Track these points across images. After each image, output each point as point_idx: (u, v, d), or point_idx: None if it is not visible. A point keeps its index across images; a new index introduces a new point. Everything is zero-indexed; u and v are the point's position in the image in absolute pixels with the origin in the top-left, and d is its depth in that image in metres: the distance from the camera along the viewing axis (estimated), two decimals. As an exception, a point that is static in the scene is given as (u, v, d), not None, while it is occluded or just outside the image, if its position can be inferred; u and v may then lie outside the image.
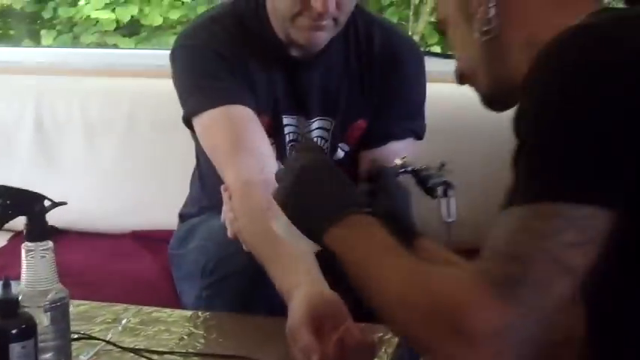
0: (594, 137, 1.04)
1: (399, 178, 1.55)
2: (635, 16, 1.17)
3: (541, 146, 1.07)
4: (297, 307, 1.44)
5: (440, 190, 1.51)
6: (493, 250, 1.05)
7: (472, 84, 1.30)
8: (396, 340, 1.53)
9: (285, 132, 2.03)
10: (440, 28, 1.34)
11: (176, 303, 2.07)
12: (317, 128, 2.06)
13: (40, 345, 1.27)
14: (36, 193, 1.35)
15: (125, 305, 1.72)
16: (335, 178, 1.32)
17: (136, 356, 1.49)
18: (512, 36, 1.22)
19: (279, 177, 1.36)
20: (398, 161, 1.54)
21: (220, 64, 1.93)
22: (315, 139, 2.05)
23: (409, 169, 1.54)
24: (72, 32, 4.00)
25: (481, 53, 1.25)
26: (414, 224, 1.45)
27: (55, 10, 3.93)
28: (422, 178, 1.52)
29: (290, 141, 2.04)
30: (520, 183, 1.07)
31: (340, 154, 2.09)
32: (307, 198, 1.30)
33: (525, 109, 1.10)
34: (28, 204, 1.34)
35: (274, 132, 2.01)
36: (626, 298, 1.12)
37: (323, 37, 1.95)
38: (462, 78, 1.31)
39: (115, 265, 2.48)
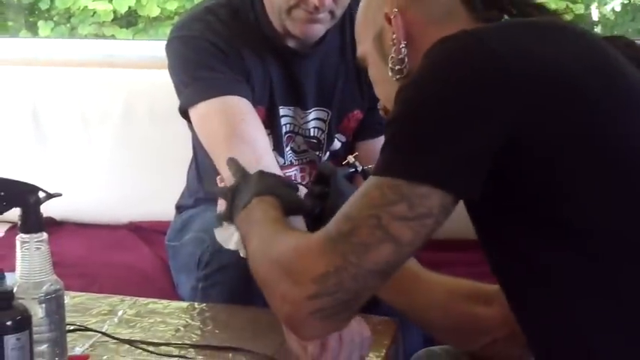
0: (441, 124, 1.14)
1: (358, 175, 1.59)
2: (506, 23, 1.29)
3: (397, 125, 1.17)
4: None
5: None
6: (340, 210, 1.17)
7: None
8: (392, 331, 1.53)
9: (282, 123, 2.03)
10: (360, 64, 1.44)
11: (173, 294, 2.07)
12: (313, 119, 2.06)
13: (35, 337, 1.27)
14: (30, 184, 1.35)
15: (121, 297, 1.72)
16: (266, 182, 1.48)
17: (132, 348, 1.49)
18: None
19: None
20: (350, 159, 1.57)
21: (216, 54, 1.93)
22: (311, 130, 2.05)
23: (358, 168, 1.58)
24: (69, 23, 3.98)
25: (394, 90, 1.30)
26: None
27: (52, 1, 3.92)
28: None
29: (287, 132, 2.04)
30: (380, 155, 1.17)
31: (337, 144, 2.09)
32: (238, 196, 1.47)
33: (398, 91, 1.20)
34: (22, 196, 1.33)
35: (271, 123, 2.00)
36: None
37: (319, 30, 1.95)
38: (386, 112, 1.38)
39: (112, 256, 2.48)
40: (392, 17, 1.32)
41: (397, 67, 1.32)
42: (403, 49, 1.32)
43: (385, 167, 1.16)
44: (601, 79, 1.20)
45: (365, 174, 1.61)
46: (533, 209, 1.17)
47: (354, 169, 1.61)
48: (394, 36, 1.32)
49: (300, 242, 1.20)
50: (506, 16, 1.36)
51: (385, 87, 1.38)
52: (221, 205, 1.69)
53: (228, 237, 1.54)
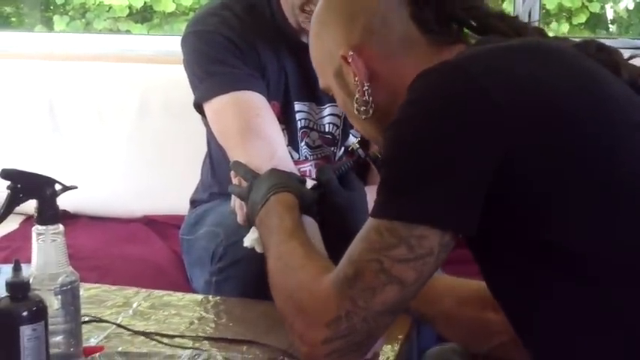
0: (432, 163, 1.14)
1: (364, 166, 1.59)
2: (486, 49, 1.26)
3: (389, 166, 1.19)
4: None
5: None
6: (346, 253, 1.20)
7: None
8: (406, 326, 1.54)
9: (297, 118, 2.03)
10: (326, 93, 1.44)
11: (187, 288, 2.08)
12: (328, 115, 2.06)
13: (51, 328, 1.28)
14: (47, 176, 1.36)
15: (136, 289, 1.73)
16: (279, 175, 1.52)
17: (147, 339, 1.50)
18: (388, 104, 1.27)
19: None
20: (355, 145, 1.58)
21: (231, 50, 1.93)
22: (326, 126, 2.06)
23: (362, 155, 1.58)
24: (84, 18, 4.00)
25: (369, 127, 1.34)
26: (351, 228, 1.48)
27: (67, -4, 3.94)
28: (377, 162, 1.56)
29: (301, 127, 2.04)
30: (376, 197, 1.19)
31: (352, 140, 2.09)
32: (254, 194, 1.51)
33: (387, 129, 1.20)
34: (38, 188, 1.34)
35: (285, 118, 2.01)
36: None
37: None
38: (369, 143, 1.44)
39: (126, 249, 2.49)
40: (350, 60, 1.31)
41: (362, 108, 1.32)
42: (367, 91, 1.31)
43: (381, 209, 1.18)
44: (587, 99, 1.20)
45: (373, 160, 1.62)
46: (527, 235, 1.17)
47: (357, 157, 1.60)
48: (356, 78, 1.31)
49: (314, 284, 1.22)
50: (468, 31, 1.35)
51: (356, 121, 1.39)
52: (234, 199, 1.70)
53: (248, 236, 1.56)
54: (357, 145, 1.61)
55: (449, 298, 1.48)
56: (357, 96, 1.32)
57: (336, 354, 1.20)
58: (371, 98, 1.31)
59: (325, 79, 1.40)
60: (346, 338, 1.18)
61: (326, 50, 1.37)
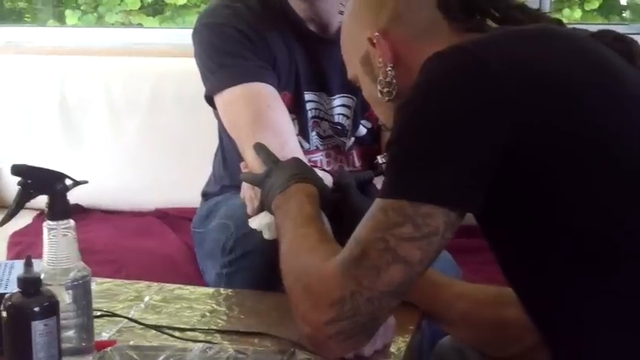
0: (439, 142, 1.15)
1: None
2: (497, 34, 1.29)
3: (396, 147, 1.19)
4: None
5: None
6: (353, 234, 1.21)
7: None
8: (417, 317, 1.53)
9: (307, 108, 2.03)
10: (354, 84, 1.46)
11: (199, 281, 2.08)
12: (339, 105, 2.05)
13: (63, 322, 1.28)
14: (57, 171, 1.36)
15: (147, 283, 1.73)
16: (302, 166, 1.54)
17: (158, 333, 1.50)
18: (410, 88, 1.27)
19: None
20: (380, 159, 1.58)
21: (242, 41, 1.93)
22: (336, 116, 2.05)
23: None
24: (96, 12, 3.99)
25: (391, 112, 1.32)
26: None
27: (79, -11, 3.94)
28: None
29: (312, 117, 2.04)
30: (384, 177, 1.21)
31: (362, 131, 2.09)
32: (274, 179, 1.51)
33: (396, 111, 1.21)
34: (49, 183, 1.34)
35: (296, 108, 2.01)
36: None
37: (339, 17, 1.95)
38: (384, 128, 1.46)
39: (138, 242, 2.50)
40: (375, 41, 1.33)
41: (386, 90, 1.34)
42: (390, 72, 1.33)
43: (388, 189, 1.18)
44: (597, 84, 1.20)
45: None
46: (536, 217, 1.17)
47: (380, 171, 1.60)
48: (380, 59, 1.33)
49: (322, 265, 1.23)
50: (491, 22, 1.36)
51: (379, 108, 1.41)
52: (244, 191, 1.70)
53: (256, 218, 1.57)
54: (383, 160, 1.61)
55: (464, 301, 1.48)
56: (380, 77, 1.34)
57: (340, 336, 1.20)
58: (394, 80, 1.33)
59: (353, 69, 1.43)
60: (350, 320, 1.18)
61: (354, 39, 1.40)
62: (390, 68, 1.33)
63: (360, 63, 1.39)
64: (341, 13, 1.92)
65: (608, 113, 1.19)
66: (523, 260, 1.23)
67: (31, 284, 1.25)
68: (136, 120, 2.84)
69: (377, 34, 1.33)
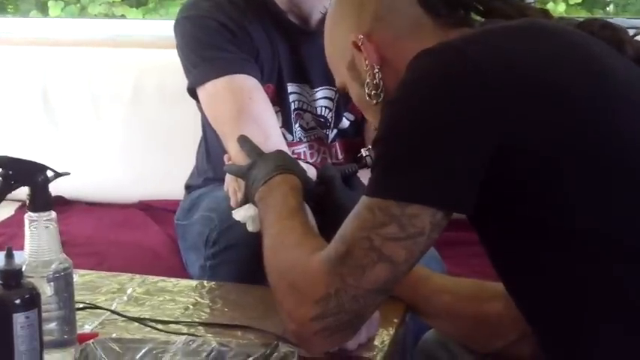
0: (425, 141, 1.15)
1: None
2: (485, 30, 1.28)
3: (382, 145, 1.19)
4: None
5: None
6: (339, 231, 1.21)
7: None
8: (401, 310, 1.53)
9: (290, 100, 2.03)
10: (342, 93, 1.45)
11: (182, 273, 2.08)
12: (321, 97, 2.05)
13: (44, 315, 1.27)
14: (39, 163, 1.35)
15: (130, 275, 1.72)
16: (286, 158, 1.54)
17: (141, 326, 1.49)
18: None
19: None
20: (364, 152, 1.57)
21: (224, 34, 1.93)
22: (319, 109, 2.05)
23: (369, 164, 1.57)
24: (79, 3, 3.97)
25: (380, 113, 1.32)
26: None
27: (62, -20, 3.92)
28: None
29: (295, 109, 2.04)
30: (370, 175, 1.20)
31: (345, 123, 2.09)
32: (258, 171, 1.51)
33: (382, 109, 1.22)
34: (30, 174, 1.33)
35: (279, 100, 2.00)
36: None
37: (320, 8, 1.95)
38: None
39: (121, 235, 2.49)
40: (360, 44, 1.32)
41: (373, 92, 1.33)
42: (377, 74, 1.32)
43: (375, 187, 1.18)
44: (586, 77, 1.19)
45: None
46: (527, 215, 1.17)
47: (364, 163, 1.60)
48: (367, 62, 1.32)
49: (306, 261, 1.23)
50: (476, 16, 1.35)
51: (370, 111, 1.39)
52: (228, 183, 1.70)
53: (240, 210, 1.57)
54: (367, 153, 1.60)
55: (446, 295, 1.48)
56: (367, 80, 1.33)
57: (325, 332, 1.20)
58: (382, 82, 1.32)
59: (340, 76, 1.41)
60: (335, 316, 1.19)
61: (338, 45, 1.39)
62: (377, 70, 1.32)
63: (347, 69, 1.38)
64: (324, 10, 1.92)
65: (597, 111, 1.18)
66: (515, 258, 1.23)
67: (12, 276, 1.24)
68: (119, 112, 2.82)
69: (361, 36, 1.32)
